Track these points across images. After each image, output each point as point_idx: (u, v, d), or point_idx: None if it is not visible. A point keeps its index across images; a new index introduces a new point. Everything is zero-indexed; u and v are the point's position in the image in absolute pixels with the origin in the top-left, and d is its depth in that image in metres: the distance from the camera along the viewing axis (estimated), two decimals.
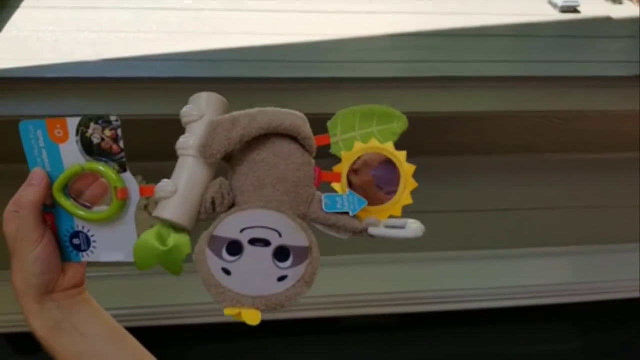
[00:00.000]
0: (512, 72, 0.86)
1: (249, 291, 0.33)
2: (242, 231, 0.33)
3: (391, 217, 0.36)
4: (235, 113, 0.34)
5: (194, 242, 0.34)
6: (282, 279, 0.33)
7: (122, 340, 0.38)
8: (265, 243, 0.33)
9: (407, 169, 0.35)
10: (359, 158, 0.36)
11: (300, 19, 0.95)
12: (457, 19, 0.99)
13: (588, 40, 0.99)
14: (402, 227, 0.34)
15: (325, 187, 0.36)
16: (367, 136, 0.36)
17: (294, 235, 0.34)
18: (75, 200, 0.36)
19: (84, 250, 0.36)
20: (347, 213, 0.34)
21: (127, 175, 0.35)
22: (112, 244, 0.36)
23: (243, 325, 0.33)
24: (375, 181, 0.36)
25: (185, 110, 0.34)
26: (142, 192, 0.35)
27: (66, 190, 0.35)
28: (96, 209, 0.36)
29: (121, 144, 0.34)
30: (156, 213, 0.34)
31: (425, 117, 0.79)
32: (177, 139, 0.34)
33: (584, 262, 1.00)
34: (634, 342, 1.12)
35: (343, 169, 0.36)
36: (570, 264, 1.00)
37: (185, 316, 0.90)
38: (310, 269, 0.34)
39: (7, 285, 0.35)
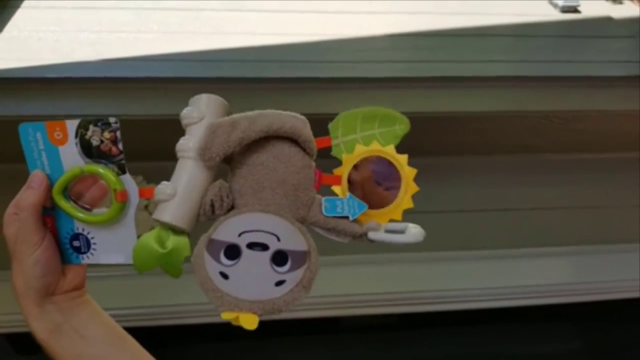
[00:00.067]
0: (512, 72, 0.86)
1: (247, 295, 0.33)
2: (240, 235, 0.33)
3: (391, 220, 0.35)
4: (235, 115, 0.34)
5: (193, 244, 0.34)
6: (279, 283, 0.33)
7: (122, 342, 0.38)
8: (263, 247, 0.33)
9: (408, 173, 0.35)
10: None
11: (300, 19, 0.95)
12: (457, 19, 0.99)
13: (588, 40, 0.99)
14: (402, 231, 0.34)
15: (326, 190, 0.36)
16: (368, 138, 0.35)
17: (293, 240, 0.33)
18: (74, 202, 0.36)
19: (84, 253, 0.36)
20: (347, 217, 0.34)
21: (127, 177, 0.35)
22: (112, 246, 0.36)
23: None
24: (374, 176, 0.36)
25: (185, 112, 0.34)
26: (141, 194, 0.35)
27: (66, 192, 0.35)
28: (96, 211, 0.36)
29: (120, 146, 0.34)
30: (155, 215, 0.33)
31: (425, 117, 0.79)
32: (177, 139, 0.34)
33: (584, 262, 1.00)
34: (634, 342, 1.12)
35: (344, 171, 0.35)
36: (570, 264, 1.00)
37: (185, 316, 0.90)
38: (308, 274, 0.33)
39: (8, 285, 0.35)
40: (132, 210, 0.35)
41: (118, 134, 0.34)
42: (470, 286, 0.96)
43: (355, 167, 0.36)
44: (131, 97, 0.77)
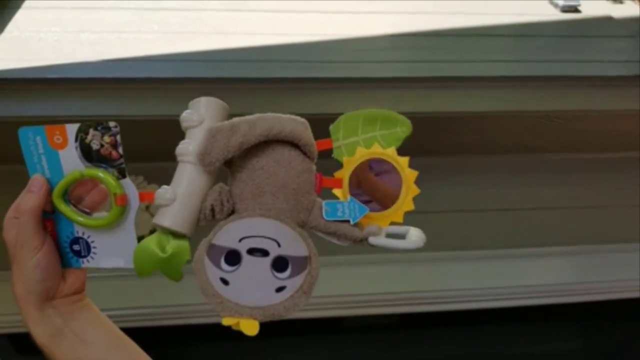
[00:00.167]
0: (512, 72, 0.86)
1: (247, 301, 0.33)
2: (240, 240, 0.33)
3: (393, 223, 0.35)
4: (235, 119, 0.33)
5: (193, 247, 0.34)
6: (280, 289, 0.33)
7: (123, 346, 0.38)
8: (264, 253, 0.33)
9: (409, 175, 0.35)
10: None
11: (300, 19, 0.95)
12: (457, 19, 0.99)
13: (589, 40, 0.99)
14: (403, 235, 0.34)
15: (326, 192, 0.36)
16: (369, 141, 0.35)
17: (293, 245, 0.33)
18: (74, 206, 0.36)
19: (84, 256, 0.36)
20: (347, 221, 0.34)
21: (127, 182, 0.35)
22: (112, 249, 0.36)
23: None
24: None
25: (184, 115, 0.34)
26: (141, 198, 0.35)
27: (66, 196, 0.35)
28: (96, 215, 0.36)
29: (120, 150, 0.34)
30: (155, 220, 0.33)
31: (425, 117, 0.79)
32: (178, 139, 0.34)
33: (584, 262, 0.99)
34: (634, 342, 1.12)
35: (344, 174, 0.35)
36: (570, 264, 1.00)
37: (185, 316, 0.91)
38: (309, 279, 0.33)
39: (9, 285, 0.35)
40: (132, 214, 0.35)
41: (118, 138, 0.34)
42: (470, 286, 0.96)
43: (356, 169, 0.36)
44: (132, 97, 0.77)
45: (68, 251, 0.36)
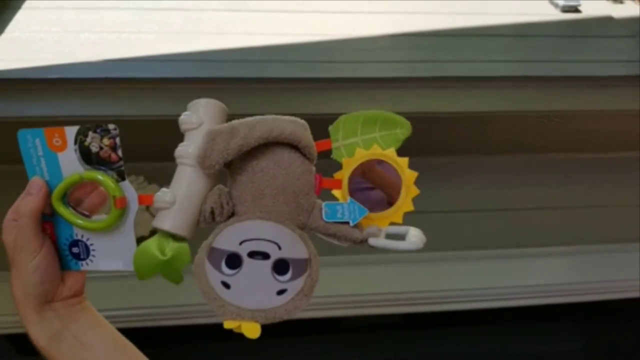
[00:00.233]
0: (512, 72, 0.87)
1: (249, 304, 0.33)
2: (241, 243, 0.33)
3: (392, 223, 0.35)
4: (235, 122, 0.33)
5: (193, 249, 0.34)
6: (281, 292, 0.33)
7: (122, 348, 0.38)
8: (265, 256, 0.33)
9: (408, 176, 0.35)
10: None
11: (300, 19, 0.95)
12: (457, 19, 0.99)
13: (589, 40, 0.99)
14: (403, 236, 0.34)
15: (326, 193, 0.36)
16: (369, 142, 0.35)
17: (294, 247, 0.33)
18: (74, 208, 0.35)
19: (83, 259, 0.36)
20: (347, 222, 0.34)
21: (126, 184, 0.34)
22: (111, 252, 0.36)
23: None
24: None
25: (183, 117, 0.34)
26: (140, 201, 0.34)
27: (65, 198, 0.35)
28: (95, 217, 0.36)
29: (119, 152, 0.34)
30: (155, 223, 0.33)
31: (425, 117, 0.79)
32: (179, 139, 0.34)
33: (584, 262, 1.00)
34: (634, 342, 1.12)
35: (344, 175, 0.35)
36: (570, 264, 1.00)
37: (185, 316, 0.91)
38: (309, 282, 0.33)
39: (9, 286, 0.35)
40: (131, 217, 0.35)
41: (117, 140, 0.34)
42: (470, 286, 0.96)
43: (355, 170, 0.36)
44: (132, 97, 0.77)
45: (67, 254, 0.36)
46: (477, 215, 0.96)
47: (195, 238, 0.34)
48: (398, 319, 1.07)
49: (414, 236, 0.33)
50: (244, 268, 0.33)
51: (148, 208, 0.35)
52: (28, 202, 0.34)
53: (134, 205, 0.35)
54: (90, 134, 0.34)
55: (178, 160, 0.34)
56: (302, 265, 0.33)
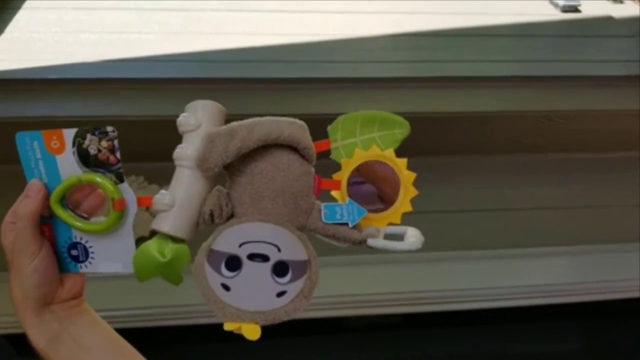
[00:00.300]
0: (512, 72, 0.87)
1: (248, 306, 0.33)
2: (240, 245, 0.33)
3: (390, 224, 0.35)
4: (233, 124, 0.33)
5: (193, 250, 0.34)
6: (281, 294, 0.33)
7: (121, 350, 0.38)
8: (264, 258, 0.33)
9: (407, 177, 0.35)
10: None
11: (300, 19, 0.96)
12: (457, 19, 0.99)
13: (589, 40, 0.99)
14: (401, 236, 0.34)
15: (325, 194, 0.36)
16: (368, 142, 0.35)
17: (293, 249, 0.33)
18: (72, 211, 0.35)
19: (82, 261, 0.36)
20: (346, 223, 0.34)
21: (124, 186, 0.34)
22: (110, 254, 0.36)
23: None
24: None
25: (181, 119, 0.34)
26: (139, 203, 0.34)
27: (63, 201, 0.35)
28: (94, 219, 0.36)
29: (118, 154, 0.34)
30: (154, 225, 0.33)
31: (425, 117, 0.79)
32: (179, 139, 0.34)
33: (584, 262, 1.00)
34: (634, 342, 1.12)
35: (343, 176, 0.35)
36: (570, 264, 1.00)
37: (185, 316, 0.91)
38: (309, 283, 0.34)
39: (9, 287, 0.35)
40: (130, 219, 0.35)
41: (116, 142, 0.33)
42: (470, 286, 0.96)
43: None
44: (132, 97, 0.77)
45: (66, 256, 0.36)
46: (477, 215, 0.96)
47: (194, 239, 0.34)
48: (398, 319, 1.07)
49: (412, 236, 0.33)
50: (244, 270, 0.33)
51: (148, 208, 0.35)
52: (26, 205, 0.34)
53: (132, 207, 0.35)
54: (89, 136, 0.33)
55: (177, 162, 0.34)
56: (301, 267, 0.33)
